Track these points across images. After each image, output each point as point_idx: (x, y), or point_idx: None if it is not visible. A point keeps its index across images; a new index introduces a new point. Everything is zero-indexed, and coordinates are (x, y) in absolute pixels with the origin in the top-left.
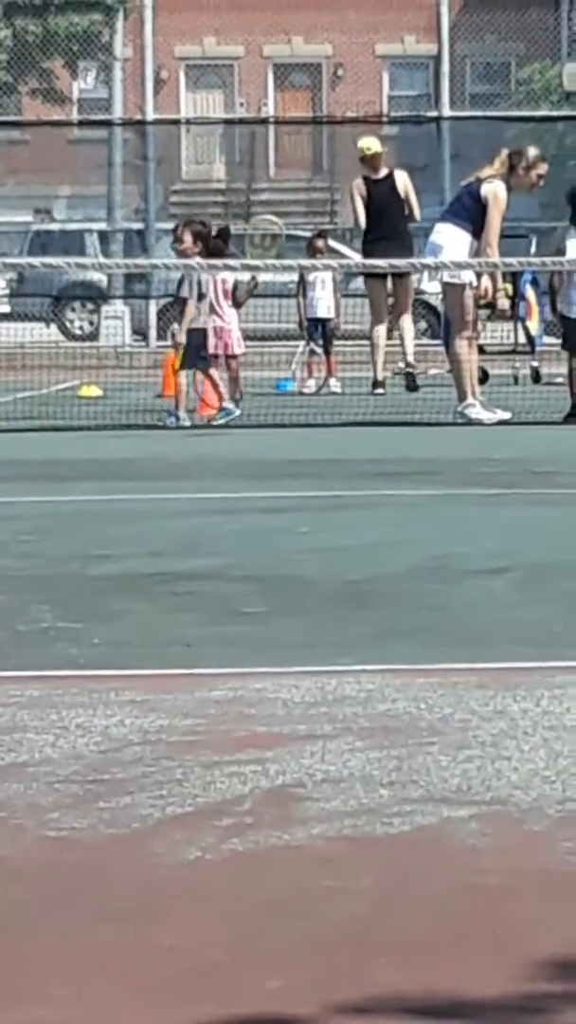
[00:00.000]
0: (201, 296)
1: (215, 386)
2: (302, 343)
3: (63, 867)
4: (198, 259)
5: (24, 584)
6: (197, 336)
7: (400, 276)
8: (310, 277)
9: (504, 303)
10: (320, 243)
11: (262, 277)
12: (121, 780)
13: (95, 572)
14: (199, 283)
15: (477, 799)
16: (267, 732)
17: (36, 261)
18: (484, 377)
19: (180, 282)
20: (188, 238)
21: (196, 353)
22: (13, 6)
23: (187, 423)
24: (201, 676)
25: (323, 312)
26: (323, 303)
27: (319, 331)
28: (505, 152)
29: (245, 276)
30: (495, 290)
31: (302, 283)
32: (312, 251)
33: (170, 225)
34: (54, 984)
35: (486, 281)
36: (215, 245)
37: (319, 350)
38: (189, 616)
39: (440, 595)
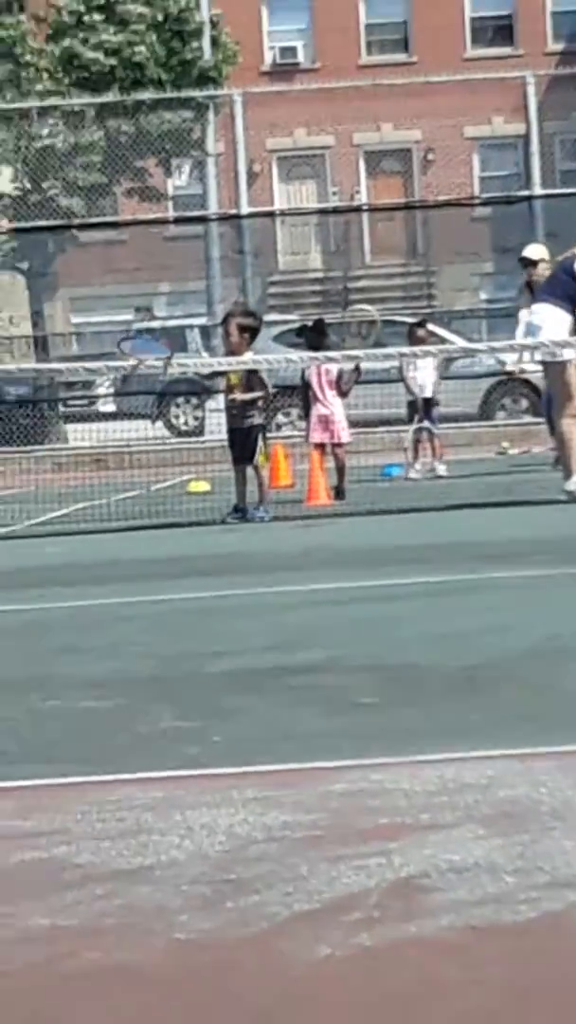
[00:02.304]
0: (286, 388)
1: (261, 484)
2: (413, 425)
3: (194, 970)
4: (302, 353)
5: (141, 685)
6: (240, 433)
7: None
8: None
9: None
10: (422, 332)
11: (364, 365)
12: (247, 879)
13: (211, 669)
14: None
15: None
16: (389, 823)
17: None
18: None
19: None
20: (235, 331)
21: (243, 449)
22: (106, 107)
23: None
24: (321, 769)
25: (426, 393)
26: (426, 384)
27: (423, 412)
28: None
29: (348, 365)
30: None
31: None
32: (413, 340)
33: (271, 317)
34: None
35: None
36: (312, 338)
37: (428, 424)
38: (306, 710)
39: (554, 677)
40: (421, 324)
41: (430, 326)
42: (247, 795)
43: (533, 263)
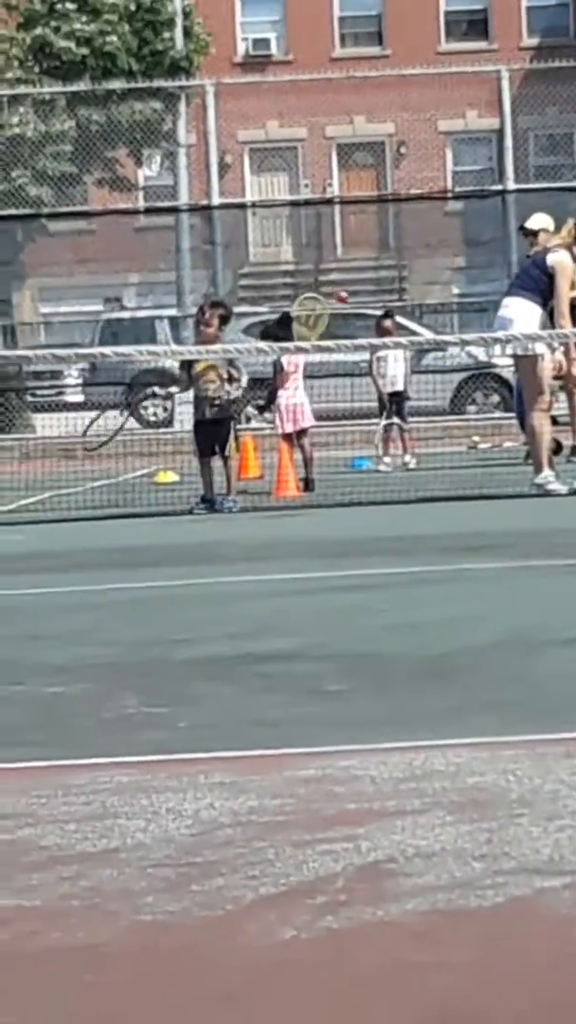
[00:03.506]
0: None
1: (229, 475)
2: (381, 420)
3: (158, 952)
4: (268, 344)
5: (107, 671)
6: (208, 424)
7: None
8: (380, 352)
9: None
10: (388, 323)
11: (334, 357)
12: (213, 863)
13: (177, 656)
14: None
15: (570, 869)
16: (356, 809)
17: (108, 350)
18: (557, 448)
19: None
20: (216, 322)
21: (211, 440)
22: (76, 97)
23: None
24: (288, 756)
25: (397, 387)
26: (397, 377)
27: (393, 407)
28: (572, 221)
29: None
30: (569, 360)
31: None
32: (380, 332)
33: (241, 309)
34: None
35: (559, 355)
36: (283, 333)
37: (398, 420)
38: (273, 697)
39: (522, 667)
40: (387, 315)
41: (398, 318)
42: (213, 780)
43: (534, 233)
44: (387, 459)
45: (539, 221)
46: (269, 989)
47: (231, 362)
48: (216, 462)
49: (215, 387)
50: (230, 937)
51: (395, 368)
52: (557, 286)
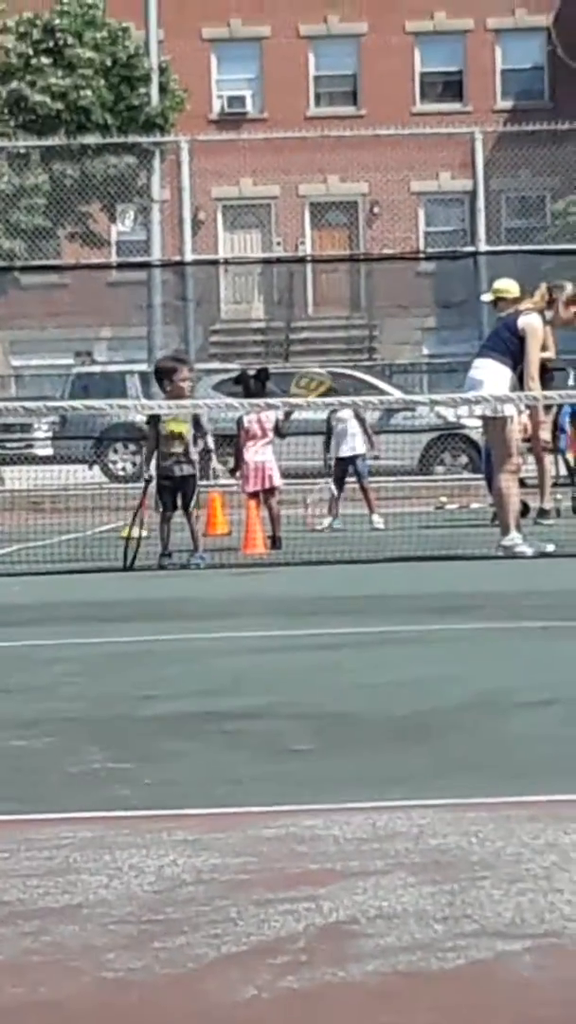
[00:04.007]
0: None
1: (193, 531)
2: (322, 481)
3: (119, 1009)
4: (241, 400)
5: (73, 726)
6: (175, 481)
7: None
8: (335, 418)
9: (545, 436)
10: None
11: (304, 415)
12: (175, 920)
13: (143, 712)
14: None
15: (531, 932)
16: (319, 869)
17: (78, 404)
18: (524, 510)
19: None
20: (190, 378)
21: (174, 496)
22: (50, 151)
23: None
24: (252, 814)
25: (348, 451)
26: (348, 442)
27: (350, 470)
28: (545, 285)
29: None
30: (536, 424)
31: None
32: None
33: (211, 365)
34: None
35: (526, 417)
36: (256, 387)
37: (336, 492)
38: (239, 754)
39: (488, 729)
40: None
41: (367, 377)
42: (177, 837)
43: (494, 301)
44: (326, 520)
45: (496, 289)
46: None
47: (196, 421)
48: (178, 517)
49: (182, 444)
50: (192, 995)
51: (354, 429)
52: (527, 349)
